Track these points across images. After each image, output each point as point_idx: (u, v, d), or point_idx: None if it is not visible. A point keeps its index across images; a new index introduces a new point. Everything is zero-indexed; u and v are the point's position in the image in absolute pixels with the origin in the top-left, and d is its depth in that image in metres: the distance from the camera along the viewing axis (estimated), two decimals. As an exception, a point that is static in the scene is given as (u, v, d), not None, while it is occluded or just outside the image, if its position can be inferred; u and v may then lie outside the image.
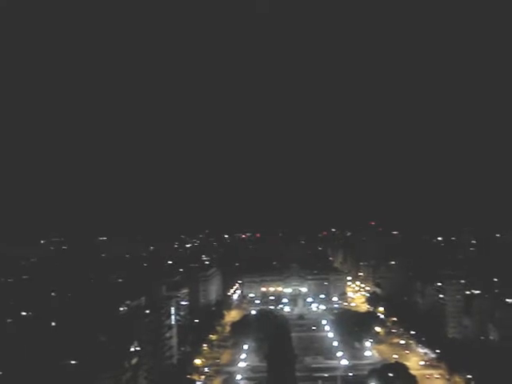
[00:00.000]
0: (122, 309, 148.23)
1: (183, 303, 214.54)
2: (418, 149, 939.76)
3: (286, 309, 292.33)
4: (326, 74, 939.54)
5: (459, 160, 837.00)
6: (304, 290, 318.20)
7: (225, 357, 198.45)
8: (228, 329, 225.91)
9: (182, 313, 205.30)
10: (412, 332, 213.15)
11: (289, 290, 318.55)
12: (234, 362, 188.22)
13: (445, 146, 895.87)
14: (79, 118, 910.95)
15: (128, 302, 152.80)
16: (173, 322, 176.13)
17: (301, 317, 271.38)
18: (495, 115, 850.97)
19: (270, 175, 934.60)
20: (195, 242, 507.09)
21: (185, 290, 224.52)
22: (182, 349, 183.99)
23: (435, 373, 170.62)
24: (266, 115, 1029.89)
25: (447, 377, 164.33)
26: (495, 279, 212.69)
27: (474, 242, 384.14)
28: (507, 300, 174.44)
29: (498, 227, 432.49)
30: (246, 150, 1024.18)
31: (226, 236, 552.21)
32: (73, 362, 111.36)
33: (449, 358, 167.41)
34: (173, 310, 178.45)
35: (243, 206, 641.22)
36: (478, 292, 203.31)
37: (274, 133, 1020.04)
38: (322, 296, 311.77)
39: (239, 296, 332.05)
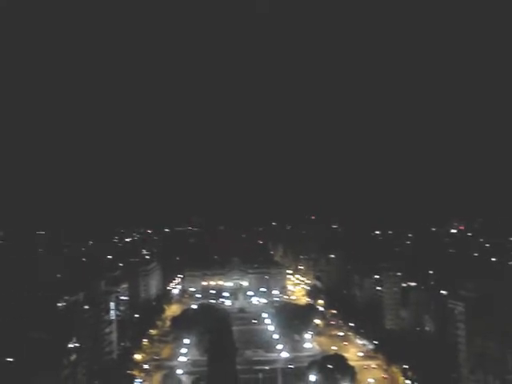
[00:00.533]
0: (60, 304, 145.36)
1: (123, 298, 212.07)
2: (356, 143, 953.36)
3: (227, 302, 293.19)
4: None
5: (396, 154, 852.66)
6: (245, 283, 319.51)
7: (165, 351, 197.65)
8: (168, 323, 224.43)
9: (121, 308, 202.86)
10: (351, 324, 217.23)
11: (230, 284, 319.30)
12: (174, 356, 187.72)
13: (382, 139, 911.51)
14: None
15: (66, 298, 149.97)
16: (112, 318, 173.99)
17: (242, 310, 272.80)
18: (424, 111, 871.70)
19: (209, 168, 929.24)
20: (135, 237, 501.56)
21: (125, 285, 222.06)
22: (122, 344, 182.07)
23: (373, 363, 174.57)
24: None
25: (385, 367, 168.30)
26: (431, 272, 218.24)
27: (410, 235, 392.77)
28: (442, 292, 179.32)
29: (434, 221, 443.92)
30: (187, 143, 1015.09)
31: (167, 230, 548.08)
32: (9, 360, 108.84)
33: (386, 349, 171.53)
34: (112, 305, 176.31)
35: (183, 199, 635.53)
36: (414, 284, 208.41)
37: (233, 128, 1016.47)
38: (263, 289, 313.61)
39: (180, 290, 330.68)
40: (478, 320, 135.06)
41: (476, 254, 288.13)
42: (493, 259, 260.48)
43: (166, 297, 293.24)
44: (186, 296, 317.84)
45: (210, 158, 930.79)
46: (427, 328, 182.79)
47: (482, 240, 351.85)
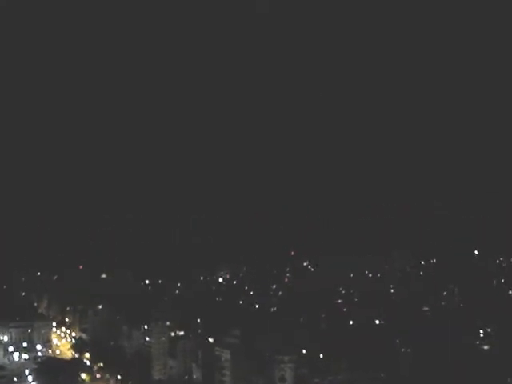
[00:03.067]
0: None
1: None
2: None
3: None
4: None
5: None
6: (5, 339, 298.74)
7: None
8: None
9: None
10: (119, 377, 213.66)
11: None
12: None
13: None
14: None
15: None
16: None
17: (1, 368, 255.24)
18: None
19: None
20: None
21: None
22: None
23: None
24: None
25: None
26: (199, 320, 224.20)
27: (179, 284, 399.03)
28: (209, 339, 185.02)
29: (202, 270, 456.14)
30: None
31: None
32: None
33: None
34: None
35: None
36: (182, 333, 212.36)
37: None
38: (25, 345, 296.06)
39: None
40: (242, 366, 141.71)
41: (241, 302, 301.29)
42: (256, 306, 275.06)
43: None
44: None
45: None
46: (195, 376, 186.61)
47: (246, 288, 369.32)
